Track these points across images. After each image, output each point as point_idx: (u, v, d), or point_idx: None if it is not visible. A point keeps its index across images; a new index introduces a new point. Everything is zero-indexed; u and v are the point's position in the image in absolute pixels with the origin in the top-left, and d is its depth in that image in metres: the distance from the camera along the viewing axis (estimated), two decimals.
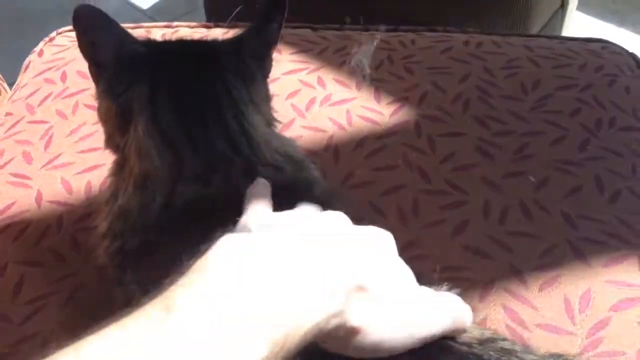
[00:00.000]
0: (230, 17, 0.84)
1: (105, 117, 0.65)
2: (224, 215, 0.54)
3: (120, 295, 0.58)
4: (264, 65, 0.69)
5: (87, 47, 0.63)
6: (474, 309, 0.64)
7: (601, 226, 0.72)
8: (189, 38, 0.77)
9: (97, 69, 0.64)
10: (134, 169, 0.60)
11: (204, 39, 0.72)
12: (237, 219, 0.52)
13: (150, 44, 0.67)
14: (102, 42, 0.62)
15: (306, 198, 0.60)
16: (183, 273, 0.40)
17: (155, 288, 0.54)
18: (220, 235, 0.43)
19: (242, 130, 0.61)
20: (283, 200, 0.56)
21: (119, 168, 0.63)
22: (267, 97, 0.69)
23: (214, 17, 1.81)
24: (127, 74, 0.62)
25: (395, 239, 0.48)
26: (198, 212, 0.57)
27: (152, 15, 2.31)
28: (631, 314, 0.64)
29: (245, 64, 0.65)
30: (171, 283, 0.37)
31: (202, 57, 0.65)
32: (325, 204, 0.60)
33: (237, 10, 0.85)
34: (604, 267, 0.68)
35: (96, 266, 0.68)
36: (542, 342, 0.62)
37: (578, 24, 2.04)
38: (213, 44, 0.69)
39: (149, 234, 0.58)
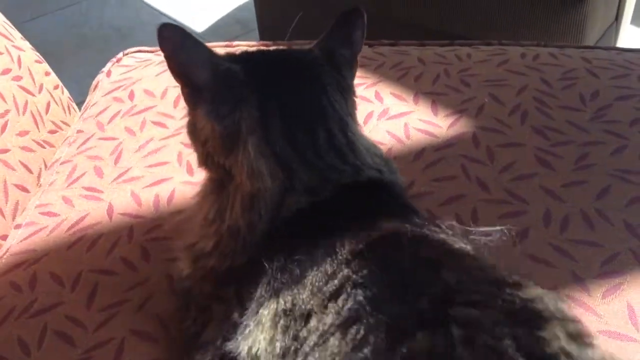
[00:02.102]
0: (288, 35, 0.87)
1: (205, 138, 0.63)
2: (324, 225, 0.57)
3: (220, 311, 0.59)
4: (354, 74, 0.70)
5: (180, 68, 0.62)
6: None
7: None
8: (275, 48, 0.77)
9: (194, 91, 0.63)
10: (243, 188, 0.60)
11: (290, 48, 0.72)
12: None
13: (243, 59, 0.65)
14: (195, 63, 0.61)
15: (398, 199, 0.64)
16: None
17: (247, 295, 0.57)
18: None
19: (347, 141, 0.63)
20: (386, 196, 0.63)
21: (219, 187, 0.63)
22: (356, 104, 0.70)
23: (267, 37, 1.85)
24: (230, 94, 0.61)
25: None
26: (300, 223, 0.59)
27: (207, 37, 2.37)
28: None
29: (342, 76, 0.66)
30: None
31: (302, 71, 0.65)
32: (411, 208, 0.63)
33: (291, 27, 0.87)
34: None
35: (169, 276, 0.71)
36: (606, 348, 0.62)
37: (632, 38, 2.02)
38: (307, 56, 0.67)
39: (255, 250, 0.59)
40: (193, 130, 0.65)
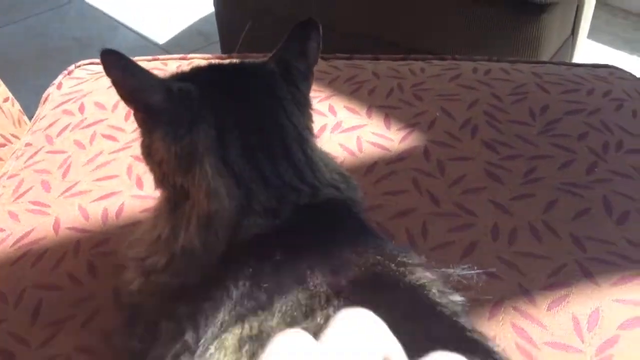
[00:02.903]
0: (238, 47, 0.86)
1: (160, 159, 0.62)
2: (286, 249, 0.56)
3: (169, 329, 0.57)
4: (310, 85, 0.69)
5: (131, 94, 0.61)
6: (483, 327, 0.66)
7: (610, 247, 0.72)
8: (229, 62, 0.73)
9: (148, 115, 0.62)
10: (200, 207, 0.59)
11: (243, 62, 0.71)
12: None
13: (195, 77, 0.64)
14: (146, 86, 0.60)
15: (357, 220, 0.63)
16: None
17: (202, 317, 0.55)
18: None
19: (305, 158, 0.62)
20: (345, 217, 0.62)
21: (174, 206, 0.62)
22: (312, 116, 0.69)
23: (229, 49, 1.85)
24: (185, 115, 0.60)
25: None
26: (261, 246, 0.57)
27: (168, 49, 2.36)
28: (639, 332, 0.64)
29: (298, 89, 0.66)
30: None
31: (257, 85, 0.64)
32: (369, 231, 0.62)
33: (242, 36, 0.86)
34: (612, 287, 0.68)
35: (115, 289, 0.70)
36: (550, 359, 0.63)
37: (588, 52, 2.06)
38: (261, 69, 0.66)
39: (210, 270, 0.58)
40: (148, 152, 0.64)
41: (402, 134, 0.89)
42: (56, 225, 0.80)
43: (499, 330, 0.65)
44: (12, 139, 1.08)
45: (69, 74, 1.08)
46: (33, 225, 0.81)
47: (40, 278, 0.74)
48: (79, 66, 1.10)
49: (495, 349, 0.51)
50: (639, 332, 0.64)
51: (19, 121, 1.12)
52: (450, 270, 0.57)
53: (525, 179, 0.81)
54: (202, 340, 0.53)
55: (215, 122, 0.60)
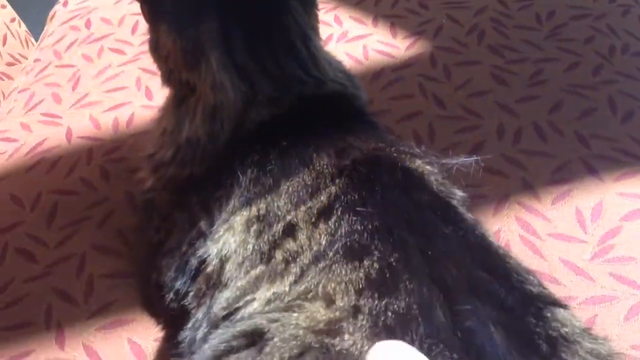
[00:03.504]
0: None
1: (167, 54, 0.62)
2: (292, 136, 0.57)
3: (183, 219, 0.59)
4: None
5: None
6: (488, 224, 0.68)
7: (614, 144, 0.73)
8: None
9: (153, 6, 0.62)
10: (206, 100, 0.60)
11: None
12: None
13: None
14: None
15: (362, 114, 0.64)
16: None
17: (215, 205, 0.57)
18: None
19: (309, 54, 0.62)
20: (350, 110, 0.63)
21: (179, 102, 0.63)
22: (318, 17, 0.69)
23: None
24: (190, 6, 0.60)
25: None
26: (266, 134, 0.58)
27: None
28: None
29: None
30: None
31: None
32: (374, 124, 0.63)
33: None
34: (615, 181, 0.69)
35: (129, 193, 0.72)
36: (554, 249, 0.64)
37: None
38: None
39: (217, 160, 0.59)
40: (155, 47, 0.64)
41: (408, 41, 0.89)
42: (68, 135, 0.82)
43: (504, 223, 0.67)
44: (21, 59, 1.08)
45: None
46: (46, 135, 0.82)
47: (55, 184, 0.76)
48: None
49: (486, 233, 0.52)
50: (639, 223, 0.66)
51: (26, 41, 1.13)
52: (450, 160, 0.58)
53: (531, 82, 0.81)
54: (214, 227, 0.55)
55: (220, 16, 0.60)
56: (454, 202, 0.53)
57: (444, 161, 0.58)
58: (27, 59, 1.07)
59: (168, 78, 0.64)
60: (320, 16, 0.90)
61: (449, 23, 0.91)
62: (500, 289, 0.44)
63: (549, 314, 0.44)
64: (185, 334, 0.54)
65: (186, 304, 0.56)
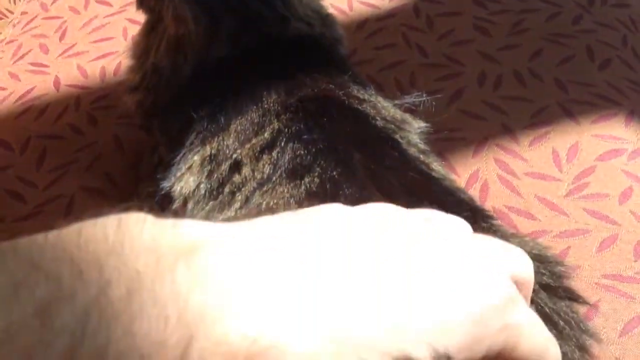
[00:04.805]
0: None
1: None
2: (248, 74, 0.59)
3: (147, 140, 0.63)
4: None
5: None
6: (467, 165, 0.69)
7: (591, 89, 0.75)
8: None
9: None
10: (169, 30, 0.62)
11: None
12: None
13: None
14: None
15: (332, 54, 0.64)
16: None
17: (174, 139, 0.59)
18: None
19: None
20: (315, 52, 0.62)
21: (151, 28, 0.65)
22: None
23: None
24: None
25: None
26: (227, 71, 0.60)
27: None
28: (616, 162, 0.68)
29: None
30: None
31: None
32: (349, 63, 0.64)
33: None
34: (592, 124, 0.71)
35: (115, 136, 0.74)
36: (530, 188, 0.66)
37: None
38: None
39: (179, 92, 0.61)
40: None
41: None
42: (56, 83, 0.83)
43: (482, 164, 0.69)
44: (8, 14, 1.08)
45: None
46: (34, 83, 0.83)
47: (44, 129, 0.77)
48: None
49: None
50: (614, 162, 0.68)
51: None
52: (400, 101, 0.59)
53: (512, 31, 0.82)
54: (174, 158, 0.57)
55: None
56: (399, 138, 0.54)
57: (396, 102, 0.60)
58: (13, 13, 1.07)
59: (140, 4, 0.66)
60: None
61: None
62: (438, 196, 0.46)
63: (481, 220, 0.46)
64: None
65: None
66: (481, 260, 0.27)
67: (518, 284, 0.27)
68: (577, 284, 0.58)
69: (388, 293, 0.24)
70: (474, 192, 0.66)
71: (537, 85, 0.76)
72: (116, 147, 0.74)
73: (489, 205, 0.65)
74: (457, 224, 0.29)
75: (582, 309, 0.56)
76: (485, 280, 0.25)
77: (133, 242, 0.23)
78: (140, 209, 0.24)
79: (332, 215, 0.26)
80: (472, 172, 0.68)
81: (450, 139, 0.71)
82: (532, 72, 0.77)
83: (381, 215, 0.27)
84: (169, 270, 0.22)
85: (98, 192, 0.70)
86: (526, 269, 0.28)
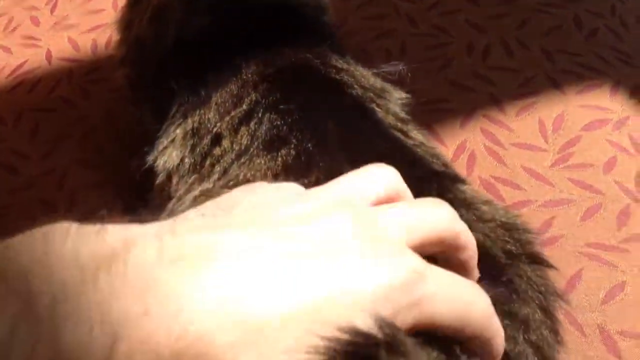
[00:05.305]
0: None
1: None
2: (228, 45, 0.59)
3: (134, 113, 0.64)
4: None
5: None
6: (455, 136, 0.70)
7: (578, 59, 0.76)
8: None
9: None
10: (151, 1, 0.62)
11: None
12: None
13: None
14: None
15: (314, 22, 0.65)
16: None
17: (159, 111, 0.60)
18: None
19: None
20: (296, 21, 0.62)
21: (135, 0, 0.66)
22: None
23: None
24: None
25: None
26: (208, 41, 0.60)
27: None
28: (601, 132, 0.69)
29: None
30: None
31: None
32: (332, 32, 0.64)
33: None
34: (577, 94, 0.72)
35: (109, 110, 0.75)
36: (516, 158, 0.67)
37: None
38: None
39: (162, 64, 0.62)
40: None
41: None
42: (48, 56, 0.83)
43: (469, 135, 0.70)
44: None
45: None
46: (26, 57, 0.84)
47: (37, 102, 0.78)
48: None
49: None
50: (598, 132, 0.69)
51: None
52: (377, 70, 0.60)
53: (500, 0, 0.83)
54: (159, 133, 0.58)
55: None
56: (375, 106, 0.55)
57: (374, 70, 0.60)
58: None
59: None
60: None
61: None
62: (407, 166, 0.47)
63: (448, 184, 0.47)
64: None
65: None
66: (383, 244, 0.27)
67: (443, 239, 0.29)
68: (561, 252, 0.60)
69: (298, 270, 0.25)
70: (461, 163, 0.67)
71: (525, 55, 0.77)
72: (109, 120, 0.75)
73: (475, 175, 0.66)
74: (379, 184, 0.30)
75: (564, 277, 0.58)
76: (383, 266, 0.26)
77: (57, 252, 0.24)
78: (66, 219, 0.25)
79: (244, 202, 0.28)
80: (460, 143, 0.69)
81: (439, 110, 0.72)
82: (520, 41, 0.78)
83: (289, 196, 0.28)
84: (92, 278, 0.23)
85: (91, 165, 0.71)
86: (444, 223, 0.29)
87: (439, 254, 0.30)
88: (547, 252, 0.59)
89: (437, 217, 0.30)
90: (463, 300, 0.28)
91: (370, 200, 0.30)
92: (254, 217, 0.27)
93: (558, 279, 0.57)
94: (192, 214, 0.28)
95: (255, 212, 0.27)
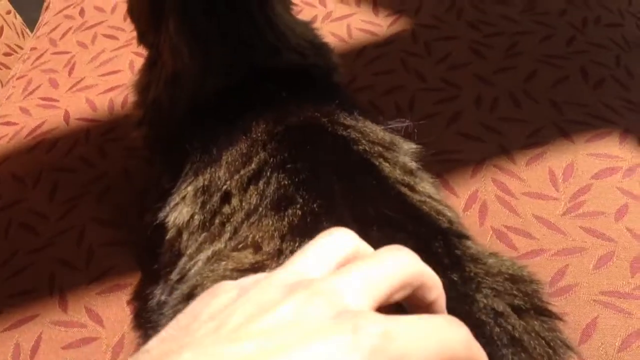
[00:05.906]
0: None
1: (137, 15, 0.67)
2: (240, 106, 0.61)
3: (150, 171, 0.66)
4: None
5: None
6: (466, 186, 0.71)
7: (585, 109, 0.77)
8: None
9: None
10: (167, 65, 0.64)
11: None
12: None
13: None
14: None
15: (324, 82, 0.66)
16: None
17: (175, 170, 0.61)
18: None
19: (266, 19, 0.64)
20: (306, 82, 0.64)
21: (152, 63, 0.67)
22: None
23: None
24: None
25: None
26: (221, 103, 0.62)
27: None
28: (611, 180, 0.69)
29: None
30: None
31: None
32: (342, 90, 0.66)
33: None
34: (586, 143, 0.73)
35: (124, 169, 0.76)
36: (528, 207, 0.68)
37: None
38: None
39: (178, 125, 0.63)
40: (130, 9, 0.69)
41: (390, 19, 0.93)
42: (66, 117, 0.85)
43: (480, 185, 0.71)
44: (17, 49, 1.12)
45: None
46: (44, 118, 0.86)
47: (55, 162, 0.79)
48: None
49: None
50: (609, 180, 0.69)
51: (22, 33, 1.16)
52: (384, 126, 0.61)
53: (507, 54, 0.85)
54: (173, 190, 0.60)
55: None
56: (381, 162, 0.56)
57: (382, 127, 0.62)
58: (23, 49, 1.10)
59: (141, 39, 0.68)
60: None
61: (429, 1, 0.94)
62: (412, 224, 0.48)
63: (455, 241, 0.48)
64: (155, 295, 0.59)
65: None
66: (344, 318, 0.27)
67: (407, 284, 0.29)
68: (576, 300, 0.60)
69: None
70: (473, 212, 0.68)
71: (532, 107, 0.78)
72: (126, 178, 0.76)
73: (487, 225, 0.67)
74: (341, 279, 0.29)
75: (579, 326, 0.58)
76: (349, 343, 0.26)
77: None
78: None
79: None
80: (471, 193, 0.70)
81: (449, 160, 0.73)
82: (527, 93, 0.79)
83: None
84: None
85: (108, 222, 0.72)
86: (406, 269, 0.29)
87: (407, 300, 0.30)
88: (561, 301, 0.60)
89: (398, 264, 0.29)
90: (438, 339, 0.27)
91: (330, 268, 0.30)
92: (210, 330, 0.28)
93: (573, 328, 0.57)
94: (154, 342, 0.28)
95: (213, 324, 0.28)
